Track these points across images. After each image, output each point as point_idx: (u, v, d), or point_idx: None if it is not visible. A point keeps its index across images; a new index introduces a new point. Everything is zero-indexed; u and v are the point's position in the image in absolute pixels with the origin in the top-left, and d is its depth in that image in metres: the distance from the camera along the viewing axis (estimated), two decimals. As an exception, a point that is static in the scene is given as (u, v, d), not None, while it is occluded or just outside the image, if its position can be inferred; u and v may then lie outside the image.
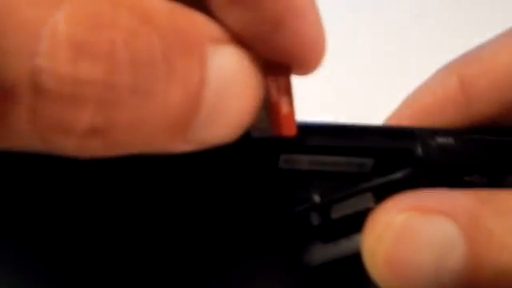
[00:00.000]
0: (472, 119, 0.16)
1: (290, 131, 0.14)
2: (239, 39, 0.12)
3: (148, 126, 0.11)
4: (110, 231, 0.17)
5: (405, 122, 0.18)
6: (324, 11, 0.13)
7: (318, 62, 0.13)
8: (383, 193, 0.15)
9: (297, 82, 0.14)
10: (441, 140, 0.15)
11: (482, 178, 0.15)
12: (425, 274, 0.13)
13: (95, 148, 0.11)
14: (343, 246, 0.16)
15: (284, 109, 0.14)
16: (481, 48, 0.17)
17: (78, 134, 0.10)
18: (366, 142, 0.16)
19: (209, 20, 0.12)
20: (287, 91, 0.14)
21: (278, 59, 0.13)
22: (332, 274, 0.17)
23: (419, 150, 0.15)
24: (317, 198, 0.16)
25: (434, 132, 0.15)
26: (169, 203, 0.16)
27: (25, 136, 0.10)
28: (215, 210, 0.16)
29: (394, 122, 0.18)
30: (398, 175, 0.15)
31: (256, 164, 0.15)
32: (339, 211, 0.16)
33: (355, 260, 0.15)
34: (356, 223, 0.15)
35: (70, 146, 0.11)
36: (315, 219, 0.16)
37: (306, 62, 0.13)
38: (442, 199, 0.14)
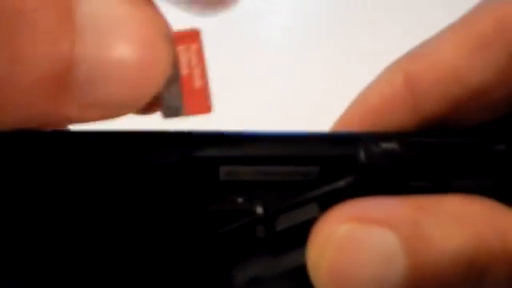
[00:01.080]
0: (420, 117, 0.16)
1: (203, 108, 0.14)
2: None
3: (18, 87, 0.11)
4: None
5: (354, 124, 0.17)
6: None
7: None
8: (328, 202, 0.14)
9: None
10: (384, 145, 0.15)
11: (428, 183, 0.15)
12: (367, 286, 0.13)
13: None
14: (291, 258, 0.16)
15: (197, 82, 0.14)
16: (425, 44, 0.16)
17: None
18: (309, 150, 0.15)
19: None
20: (199, 62, 0.14)
21: None
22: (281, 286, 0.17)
23: (362, 157, 0.15)
24: (260, 210, 0.16)
25: (377, 137, 0.15)
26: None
27: None
28: (156, 228, 0.16)
29: (344, 125, 0.17)
30: (342, 183, 0.15)
31: (196, 179, 0.15)
32: (284, 223, 0.15)
33: (303, 272, 0.15)
34: (302, 234, 0.15)
35: None
36: (260, 231, 0.15)
37: None
38: (383, 209, 0.13)
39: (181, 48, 0.14)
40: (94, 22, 0.11)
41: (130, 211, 0.16)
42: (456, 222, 0.13)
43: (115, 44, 0.11)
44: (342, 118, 0.17)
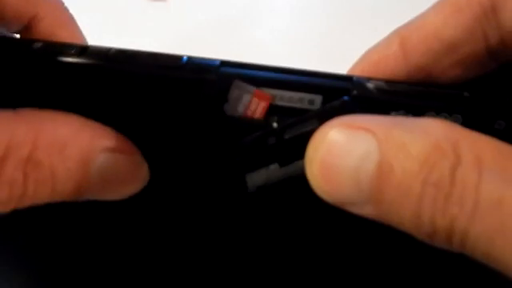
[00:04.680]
0: (409, 69, 0.20)
1: None
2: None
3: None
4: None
5: (356, 74, 0.21)
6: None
7: None
8: (325, 117, 0.18)
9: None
10: (374, 81, 0.19)
11: (407, 114, 0.19)
12: (348, 176, 0.17)
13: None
14: (294, 168, 0.20)
15: None
16: (419, 14, 0.21)
17: None
18: (315, 80, 0.20)
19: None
20: None
21: None
22: (285, 191, 0.21)
23: (356, 88, 0.19)
24: (275, 125, 0.20)
25: (369, 78, 0.19)
26: None
27: None
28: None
29: None
30: (337, 103, 0.19)
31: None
32: (291, 133, 0.20)
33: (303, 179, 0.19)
34: (305, 145, 0.19)
35: None
36: (271, 140, 0.20)
37: None
38: (367, 119, 0.17)
39: None
40: None
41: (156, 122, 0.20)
42: (421, 133, 0.17)
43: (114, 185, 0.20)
44: (347, 71, 0.22)
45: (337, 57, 0.43)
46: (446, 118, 0.19)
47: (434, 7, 0.20)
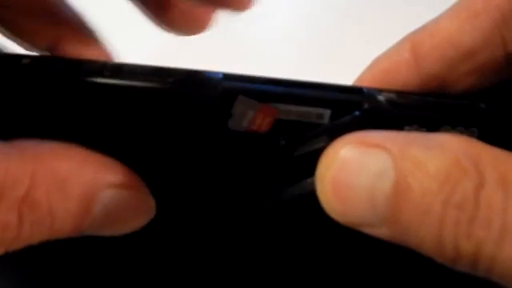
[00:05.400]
0: (421, 77, 0.19)
1: None
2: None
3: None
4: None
5: (366, 83, 0.20)
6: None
7: None
8: (335, 134, 0.17)
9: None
10: (385, 94, 0.18)
11: (421, 128, 0.18)
12: (362, 195, 0.16)
13: None
14: (303, 186, 0.19)
15: None
16: (430, 20, 0.20)
17: None
18: (322, 94, 0.18)
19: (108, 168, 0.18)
20: None
21: None
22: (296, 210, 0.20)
23: (366, 102, 0.18)
24: (282, 142, 0.19)
25: (379, 90, 0.18)
26: None
27: None
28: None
29: (357, 84, 0.21)
30: (347, 118, 0.18)
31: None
32: (300, 150, 0.18)
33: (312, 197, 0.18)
34: (314, 163, 0.18)
35: None
36: (281, 158, 0.19)
37: None
38: (380, 136, 0.16)
39: None
40: None
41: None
42: (439, 149, 0.16)
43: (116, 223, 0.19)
44: (357, 79, 0.21)
45: (338, 57, 0.43)
46: (461, 131, 0.18)
47: (447, 12, 0.19)
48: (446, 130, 0.18)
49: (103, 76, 0.18)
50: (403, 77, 0.19)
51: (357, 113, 0.18)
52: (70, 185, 0.16)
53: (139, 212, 0.19)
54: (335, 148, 0.17)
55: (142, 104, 0.18)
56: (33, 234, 0.16)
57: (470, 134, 0.18)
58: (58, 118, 0.18)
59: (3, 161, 0.16)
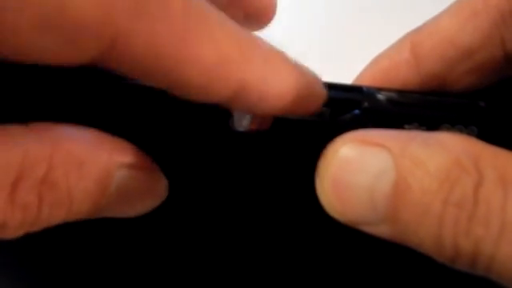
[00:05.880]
0: (421, 77, 0.19)
1: None
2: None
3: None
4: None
5: (366, 82, 0.20)
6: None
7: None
8: (335, 132, 0.18)
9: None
10: (385, 93, 0.18)
11: (420, 127, 0.18)
12: (362, 194, 0.16)
13: None
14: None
15: None
16: (430, 19, 0.20)
17: None
18: None
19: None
20: None
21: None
22: None
23: (366, 101, 0.18)
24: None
25: (379, 88, 0.18)
26: None
27: None
28: None
29: (357, 83, 0.21)
30: (348, 116, 0.18)
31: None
32: (302, 149, 0.19)
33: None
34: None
35: None
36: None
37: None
38: (380, 134, 0.16)
39: None
40: None
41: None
42: (439, 148, 0.16)
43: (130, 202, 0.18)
44: (358, 78, 0.21)
45: (338, 57, 0.43)
46: (461, 130, 0.18)
47: (447, 12, 0.19)
48: (446, 129, 0.18)
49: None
50: (403, 76, 0.20)
51: (357, 111, 0.18)
52: (86, 165, 0.17)
53: (152, 192, 0.19)
54: (335, 146, 0.17)
55: (149, 103, 0.18)
56: (51, 215, 0.16)
57: (470, 133, 0.18)
58: (77, 107, 0.18)
59: (22, 143, 0.16)
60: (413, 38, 0.20)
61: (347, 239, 0.21)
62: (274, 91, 0.16)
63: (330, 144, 0.17)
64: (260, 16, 0.21)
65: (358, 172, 0.16)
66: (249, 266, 0.23)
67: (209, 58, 0.15)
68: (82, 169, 0.17)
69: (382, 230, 0.16)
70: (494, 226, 0.14)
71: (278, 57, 0.16)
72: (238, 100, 0.16)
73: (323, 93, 0.18)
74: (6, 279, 0.24)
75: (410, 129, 0.18)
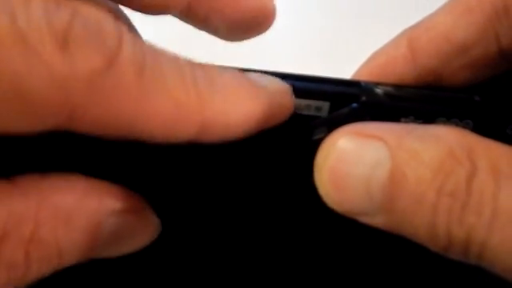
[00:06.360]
0: (418, 72, 0.20)
1: None
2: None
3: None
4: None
5: (364, 77, 0.21)
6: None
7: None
8: (334, 125, 0.18)
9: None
10: (382, 87, 0.19)
11: (417, 120, 0.18)
12: (359, 185, 0.16)
13: None
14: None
15: None
16: (426, 16, 0.20)
17: None
18: (322, 87, 0.19)
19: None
20: None
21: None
22: None
23: (364, 94, 0.18)
24: None
25: (377, 83, 0.19)
26: None
27: None
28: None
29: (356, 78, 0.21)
30: (345, 110, 0.18)
31: None
32: (299, 142, 0.19)
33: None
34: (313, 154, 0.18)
35: None
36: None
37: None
38: (377, 127, 0.17)
39: None
40: None
41: None
42: (434, 140, 0.16)
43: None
44: (355, 73, 0.21)
45: (339, 56, 0.43)
46: (456, 123, 0.18)
47: (443, 8, 0.20)
48: (442, 122, 0.18)
49: None
50: (400, 71, 0.20)
51: (355, 105, 0.18)
52: (74, 217, 0.16)
53: (144, 233, 0.19)
54: (333, 139, 0.17)
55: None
56: (40, 269, 0.16)
57: (465, 126, 0.18)
58: (59, 150, 0.18)
59: (5, 201, 0.15)
60: (410, 34, 0.20)
61: (344, 239, 0.22)
62: (237, 119, 0.17)
63: (329, 136, 0.17)
64: (259, 19, 0.21)
65: (355, 163, 0.17)
66: (248, 265, 0.24)
67: (166, 109, 0.15)
68: (70, 221, 0.16)
69: (378, 220, 0.17)
70: (485, 214, 0.15)
71: (236, 84, 0.17)
72: (205, 136, 0.16)
73: (290, 102, 0.18)
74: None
75: (406, 122, 0.18)
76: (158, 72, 0.15)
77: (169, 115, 0.15)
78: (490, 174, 0.15)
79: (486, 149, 0.16)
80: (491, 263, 0.15)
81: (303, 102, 0.19)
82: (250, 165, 0.20)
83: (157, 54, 0.15)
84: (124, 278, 0.23)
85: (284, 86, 0.18)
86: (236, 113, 0.16)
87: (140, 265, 0.23)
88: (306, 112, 0.19)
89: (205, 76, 0.16)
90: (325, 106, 0.19)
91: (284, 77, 0.19)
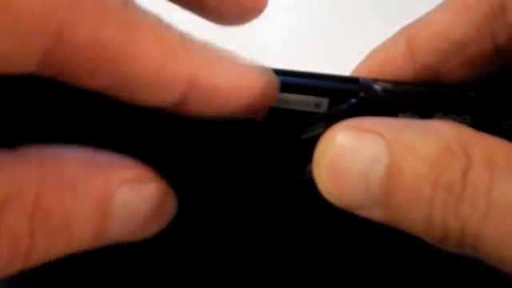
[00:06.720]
0: (416, 69, 0.20)
1: None
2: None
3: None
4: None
5: (363, 74, 0.21)
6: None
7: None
8: (333, 120, 0.18)
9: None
10: (380, 83, 0.19)
11: (414, 116, 0.19)
12: (357, 179, 0.17)
13: None
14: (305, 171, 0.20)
15: None
16: (425, 14, 0.20)
17: None
18: (322, 84, 0.19)
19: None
20: None
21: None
22: None
23: (363, 91, 0.19)
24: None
25: (375, 79, 0.19)
26: None
27: None
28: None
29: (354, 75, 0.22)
30: (344, 105, 0.19)
31: None
32: (299, 137, 0.19)
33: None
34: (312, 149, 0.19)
35: None
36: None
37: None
38: (375, 122, 0.17)
39: None
40: None
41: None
42: (431, 135, 0.16)
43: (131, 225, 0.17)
44: (353, 71, 0.21)
45: (339, 56, 0.43)
46: (453, 118, 0.19)
47: (441, 6, 0.20)
48: (439, 117, 0.19)
49: None
50: (398, 68, 0.20)
51: (353, 101, 0.19)
52: (81, 188, 0.15)
53: (161, 208, 0.17)
54: (331, 134, 0.17)
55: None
56: (49, 245, 0.15)
57: (462, 121, 0.19)
58: (67, 123, 0.18)
59: (7, 169, 0.15)
60: (408, 32, 0.20)
61: (339, 236, 0.22)
62: (225, 86, 0.16)
63: (327, 131, 0.18)
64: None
65: (354, 158, 0.17)
66: (248, 265, 0.24)
67: (154, 53, 0.14)
68: (76, 190, 0.15)
69: (376, 214, 0.17)
70: (480, 206, 0.15)
71: (224, 53, 0.16)
72: (191, 100, 0.15)
73: (275, 86, 0.18)
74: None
75: (404, 117, 0.19)
76: (144, 13, 0.15)
77: (156, 60, 0.14)
78: (485, 168, 0.15)
79: (482, 143, 0.16)
80: (486, 255, 0.16)
81: (302, 98, 0.19)
82: (248, 161, 0.21)
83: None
84: (124, 278, 0.24)
85: (270, 73, 0.18)
86: (224, 77, 0.16)
87: (137, 264, 0.23)
88: (305, 108, 0.19)
89: (192, 37, 0.16)
90: (324, 102, 0.19)
91: (283, 73, 0.19)
